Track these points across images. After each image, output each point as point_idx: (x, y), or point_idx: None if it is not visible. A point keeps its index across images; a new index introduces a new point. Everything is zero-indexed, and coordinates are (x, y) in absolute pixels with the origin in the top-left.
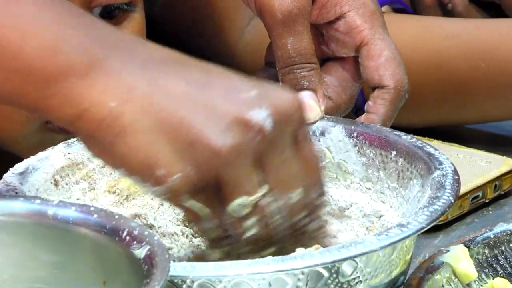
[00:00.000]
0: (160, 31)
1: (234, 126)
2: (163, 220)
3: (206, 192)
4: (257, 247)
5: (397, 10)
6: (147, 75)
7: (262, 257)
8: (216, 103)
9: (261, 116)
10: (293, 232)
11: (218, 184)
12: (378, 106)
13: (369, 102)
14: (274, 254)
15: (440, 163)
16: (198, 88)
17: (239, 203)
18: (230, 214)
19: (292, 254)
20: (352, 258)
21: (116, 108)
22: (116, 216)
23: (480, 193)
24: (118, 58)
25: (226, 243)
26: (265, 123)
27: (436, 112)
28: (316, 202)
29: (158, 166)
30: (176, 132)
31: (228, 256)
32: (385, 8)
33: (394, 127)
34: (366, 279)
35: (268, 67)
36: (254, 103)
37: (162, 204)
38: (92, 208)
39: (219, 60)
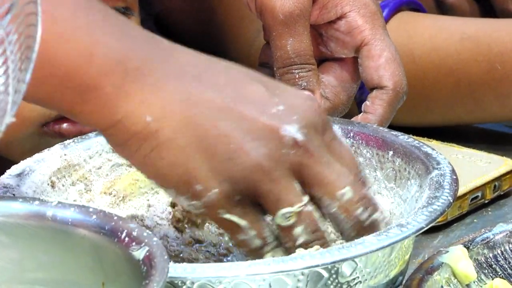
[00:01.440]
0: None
1: (269, 141)
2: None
3: (243, 205)
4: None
5: (412, 10)
6: (182, 89)
7: None
8: (249, 119)
9: (293, 130)
10: (359, 229)
11: (255, 196)
12: (376, 107)
13: (367, 102)
14: None
15: (438, 163)
16: (230, 101)
17: (284, 213)
18: (277, 224)
19: (292, 255)
20: (352, 258)
21: (153, 123)
22: (115, 217)
23: (479, 194)
24: (153, 70)
25: (267, 251)
26: (297, 136)
27: (447, 113)
28: (368, 194)
29: (196, 181)
30: (213, 148)
31: None
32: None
33: (399, 126)
34: (366, 280)
35: (262, 68)
36: (284, 117)
37: (149, 206)
38: (91, 209)
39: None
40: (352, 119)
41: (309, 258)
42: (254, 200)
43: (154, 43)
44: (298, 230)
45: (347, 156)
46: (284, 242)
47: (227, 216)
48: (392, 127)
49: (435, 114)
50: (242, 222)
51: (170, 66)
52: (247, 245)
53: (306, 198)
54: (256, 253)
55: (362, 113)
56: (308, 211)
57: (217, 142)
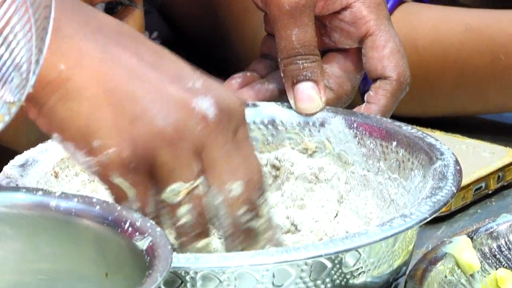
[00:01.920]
0: (179, 34)
1: (178, 110)
2: None
3: (137, 173)
4: (190, 237)
5: (416, 1)
6: (100, 42)
7: (197, 248)
8: (162, 85)
9: (205, 105)
10: (236, 229)
11: (153, 167)
12: (379, 97)
13: (370, 92)
14: (210, 246)
15: (441, 154)
16: (148, 66)
17: (173, 188)
18: (163, 199)
19: (296, 245)
20: (355, 249)
21: (65, 72)
22: (118, 208)
23: (483, 184)
24: (73, 22)
25: None
26: (208, 113)
27: (450, 104)
28: (257, 200)
29: (96, 136)
30: (121, 106)
31: None
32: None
33: (403, 117)
34: (369, 270)
35: (263, 59)
36: (199, 92)
37: None
38: (94, 200)
39: (238, 58)
40: (355, 109)
41: (313, 248)
42: (148, 171)
43: (80, 6)
44: (183, 209)
45: (252, 160)
46: (164, 222)
47: (118, 181)
48: (395, 117)
49: (439, 104)
50: (130, 192)
51: (90, 21)
52: None
53: (199, 180)
54: None
55: (365, 103)
56: (198, 193)
57: (126, 101)
